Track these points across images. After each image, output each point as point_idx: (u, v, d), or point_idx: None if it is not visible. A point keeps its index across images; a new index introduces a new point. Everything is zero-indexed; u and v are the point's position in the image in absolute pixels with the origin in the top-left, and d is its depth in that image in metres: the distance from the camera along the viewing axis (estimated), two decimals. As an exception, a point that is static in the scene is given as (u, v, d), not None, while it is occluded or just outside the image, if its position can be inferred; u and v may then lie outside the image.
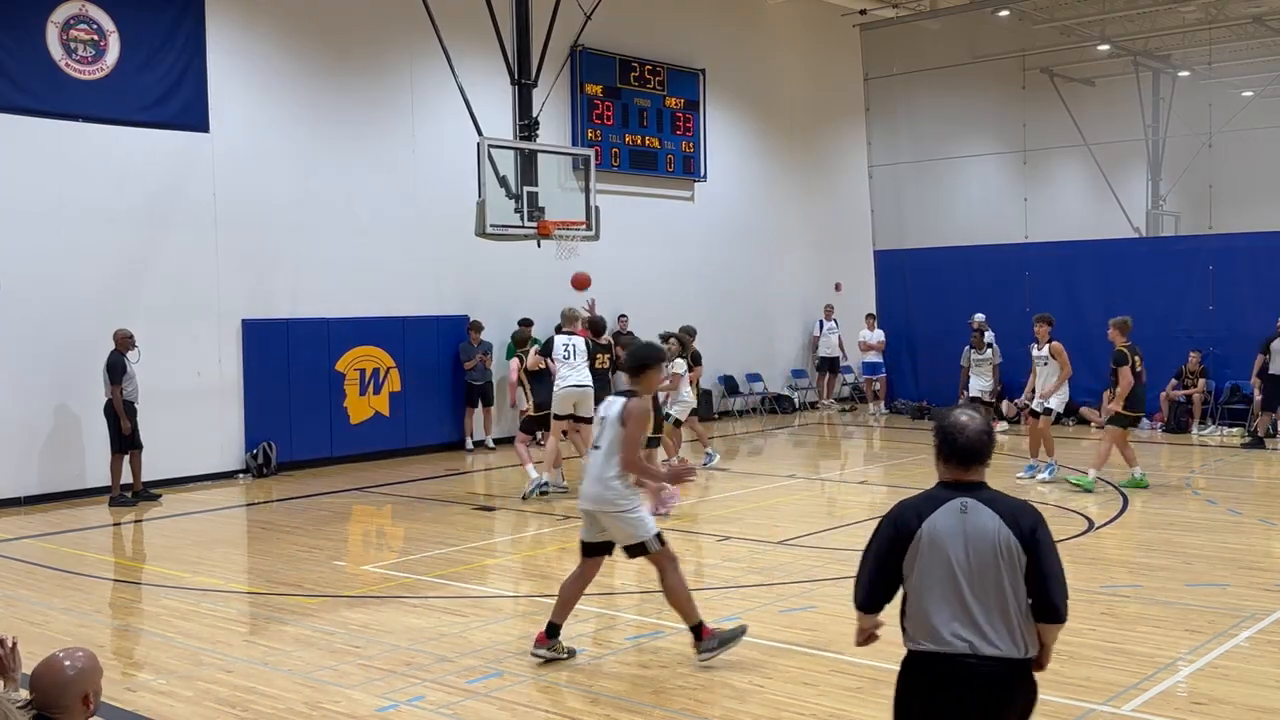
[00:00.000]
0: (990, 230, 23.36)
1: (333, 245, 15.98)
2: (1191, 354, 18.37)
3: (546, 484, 12.91)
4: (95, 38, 13.71)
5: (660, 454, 13.11)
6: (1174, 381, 18.30)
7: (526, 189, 13.89)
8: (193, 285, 14.65)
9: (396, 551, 11.01)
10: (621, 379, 13.78)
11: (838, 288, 23.60)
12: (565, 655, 7.05)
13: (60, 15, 13.43)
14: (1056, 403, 13.63)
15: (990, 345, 16.35)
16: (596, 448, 6.98)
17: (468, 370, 17.16)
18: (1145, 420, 16.43)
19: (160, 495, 13.45)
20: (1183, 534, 10.85)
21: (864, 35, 23.81)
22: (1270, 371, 16.80)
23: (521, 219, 13.87)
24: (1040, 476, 13.46)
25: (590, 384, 12.78)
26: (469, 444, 17.39)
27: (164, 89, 14.30)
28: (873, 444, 19.05)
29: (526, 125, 14.32)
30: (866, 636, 4.21)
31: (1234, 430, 17.82)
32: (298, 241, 15.67)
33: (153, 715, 6.28)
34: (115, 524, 12.34)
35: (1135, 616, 7.86)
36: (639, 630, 7.89)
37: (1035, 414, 13.62)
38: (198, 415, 14.66)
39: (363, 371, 16.37)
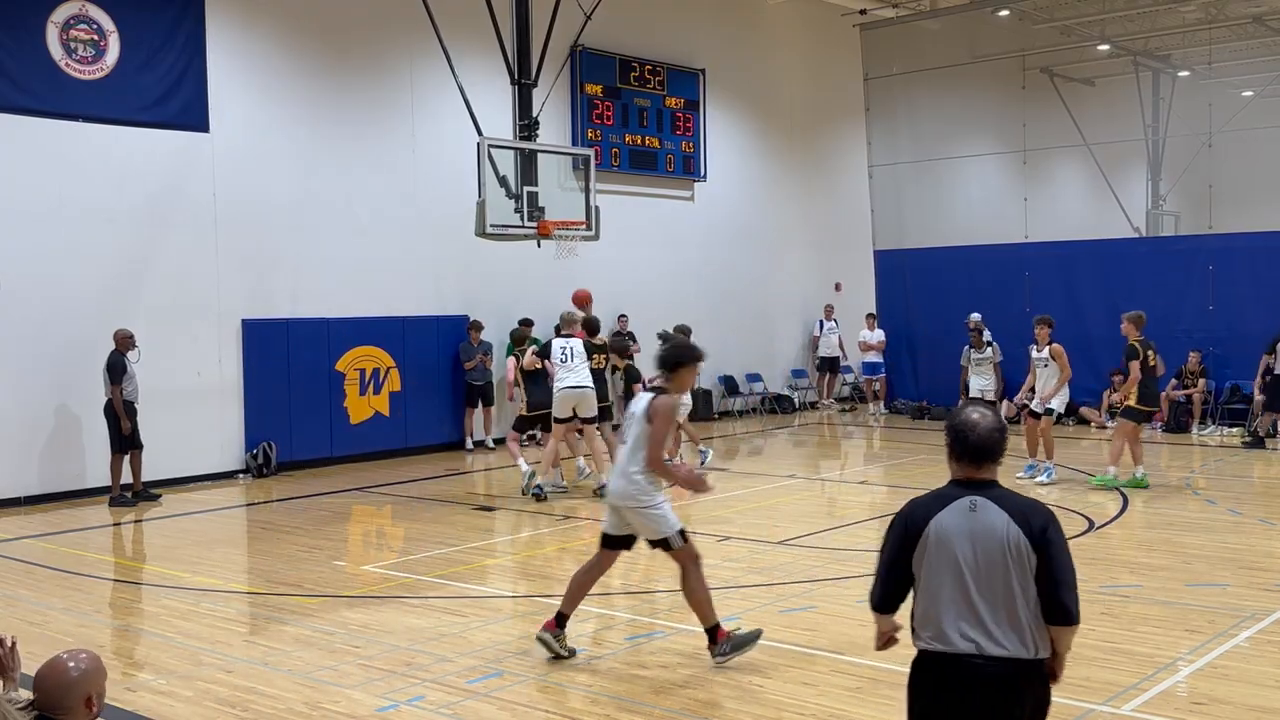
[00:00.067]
0: (990, 230, 23.36)
1: (333, 245, 15.98)
2: (1191, 354, 18.38)
3: (541, 487, 12.89)
4: (95, 38, 13.71)
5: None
6: (1174, 381, 18.29)
7: (526, 189, 13.90)
8: (193, 285, 14.65)
9: (396, 551, 11.01)
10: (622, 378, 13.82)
11: (838, 288, 23.61)
12: (566, 654, 7.05)
13: (60, 15, 13.43)
14: (1057, 403, 13.64)
15: (990, 344, 16.35)
16: (624, 443, 7.02)
17: (468, 370, 17.16)
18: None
19: (160, 495, 13.45)
20: (1183, 534, 10.85)
21: (864, 35, 23.81)
22: (1276, 372, 16.80)
23: (521, 219, 13.88)
24: (1040, 479, 13.45)
25: (590, 385, 12.82)
26: (469, 444, 17.39)
27: (164, 89, 14.31)
28: (873, 444, 19.05)
29: (526, 125, 14.33)
30: (885, 640, 4.17)
31: (1234, 430, 17.82)
32: (298, 241, 15.67)
33: (153, 715, 6.28)
34: (115, 524, 12.34)
35: (1135, 616, 7.86)
36: (638, 630, 7.88)
37: (1034, 414, 13.63)
38: (198, 415, 14.66)
39: (363, 371, 16.37)
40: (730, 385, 21.57)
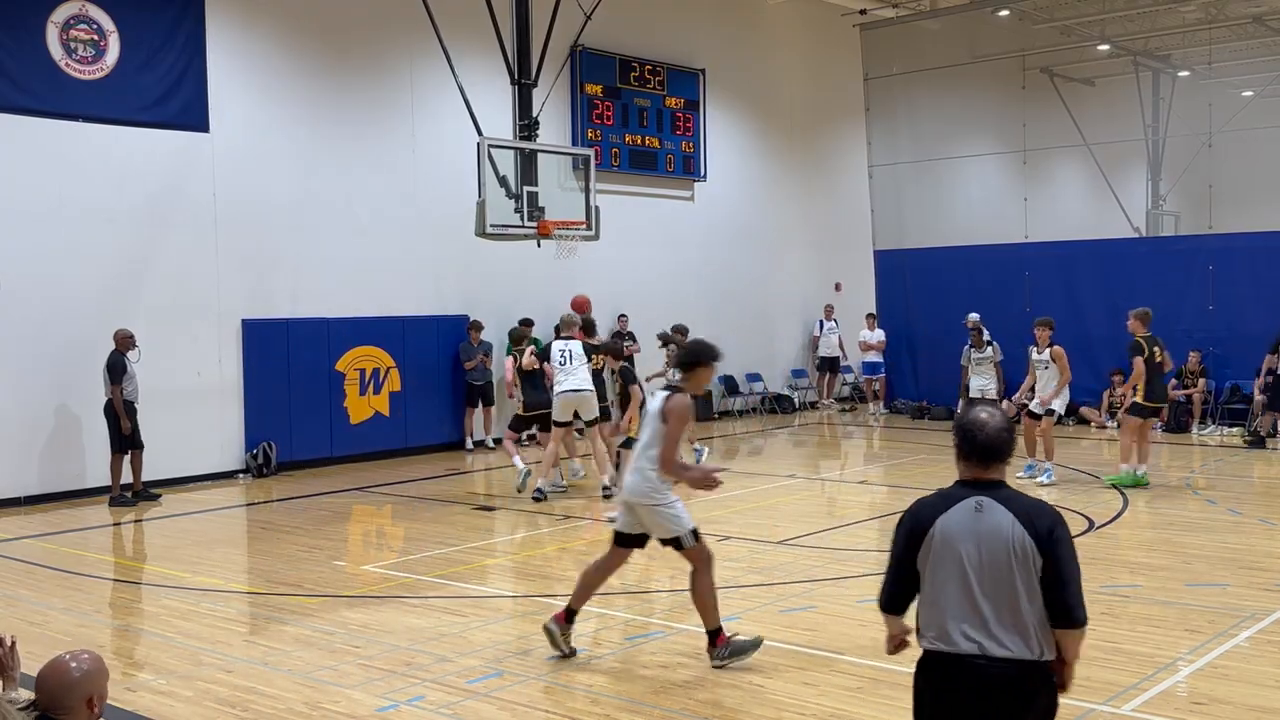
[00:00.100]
0: (990, 230, 23.36)
1: (333, 245, 15.98)
2: (1191, 354, 18.37)
3: (541, 489, 12.88)
4: (95, 38, 13.71)
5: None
6: (1174, 381, 18.29)
7: (526, 189, 13.90)
8: (193, 285, 14.65)
9: (396, 551, 11.01)
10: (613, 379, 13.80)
11: (838, 288, 23.61)
12: (567, 651, 7.06)
13: (60, 15, 13.43)
14: (1058, 404, 13.66)
15: (990, 344, 16.34)
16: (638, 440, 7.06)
17: (468, 370, 17.16)
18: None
19: (160, 495, 13.45)
20: (1183, 534, 10.85)
21: (864, 35, 23.81)
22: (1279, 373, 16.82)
23: (521, 219, 13.88)
24: (1040, 480, 13.45)
25: (589, 388, 12.83)
26: (469, 444, 17.39)
27: (164, 89, 14.31)
28: (873, 444, 19.04)
29: (526, 125, 14.32)
30: (897, 644, 4.13)
31: (1234, 430, 17.82)
32: (298, 241, 15.67)
33: (153, 715, 6.28)
34: (115, 524, 12.34)
35: (1135, 616, 7.86)
36: (638, 630, 7.88)
37: (1034, 415, 13.63)
38: (198, 415, 14.66)
39: (363, 371, 16.37)
40: (730, 385, 21.57)
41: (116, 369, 12.89)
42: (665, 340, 14.78)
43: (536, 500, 12.72)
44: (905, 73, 24.05)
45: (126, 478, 13.17)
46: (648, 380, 15.97)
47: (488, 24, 14.08)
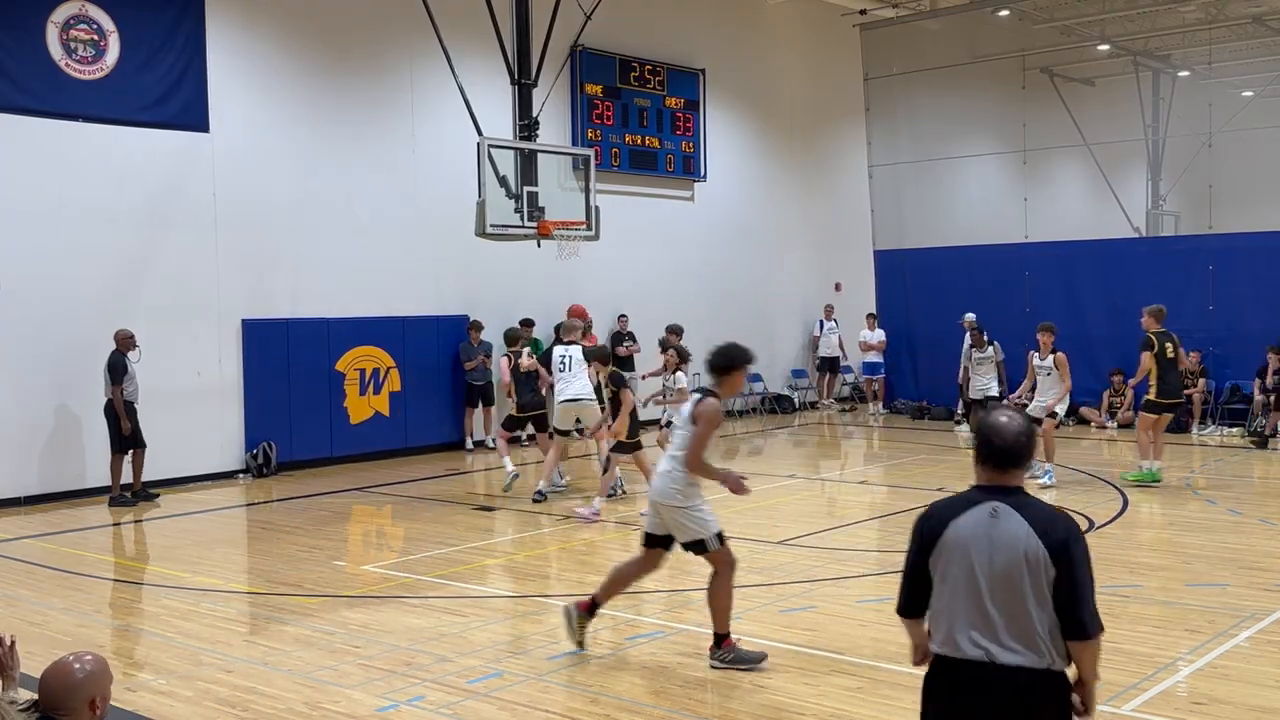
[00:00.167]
0: (990, 230, 23.36)
1: (333, 245, 15.98)
2: (1191, 354, 18.35)
3: (542, 490, 12.88)
4: (95, 38, 13.71)
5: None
6: (1187, 380, 18.29)
7: (526, 189, 13.90)
8: (193, 285, 14.65)
9: (396, 551, 11.01)
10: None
11: (838, 288, 23.61)
12: (577, 640, 7.10)
13: (60, 15, 13.43)
14: (1059, 406, 13.67)
15: (992, 344, 16.35)
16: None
17: (468, 370, 17.15)
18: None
19: (158, 495, 13.45)
20: (1183, 534, 10.86)
21: (864, 35, 23.82)
22: None
23: (521, 219, 13.88)
24: (1040, 481, 13.45)
25: (589, 395, 12.81)
26: (469, 444, 17.39)
27: (164, 89, 14.31)
28: (873, 444, 19.04)
29: (526, 125, 14.32)
30: (922, 654, 4.01)
31: (1234, 430, 17.82)
32: (298, 241, 15.67)
33: (153, 715, 6.28)
34: (115, 524, 12.34)
35: (1135, 616, 7.86)
36: (638, 630, 7.88)
37: (1034, 419, 13.64)
38: (198, 415, 14.66)
39: (363, 371, 16.37)
40: (730, 385, 21.54)
41: (117, 369, 12.89)
42: (665, 346, 14.74)
43: (536, 501, 12.73)
44: (905, 73, 24.05)
45: (126, 478, 13.17)
46: (643, 378, 15.98)
47: (488, 24, 14.08)
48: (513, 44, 14.36)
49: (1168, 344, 13.12)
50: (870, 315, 22.23)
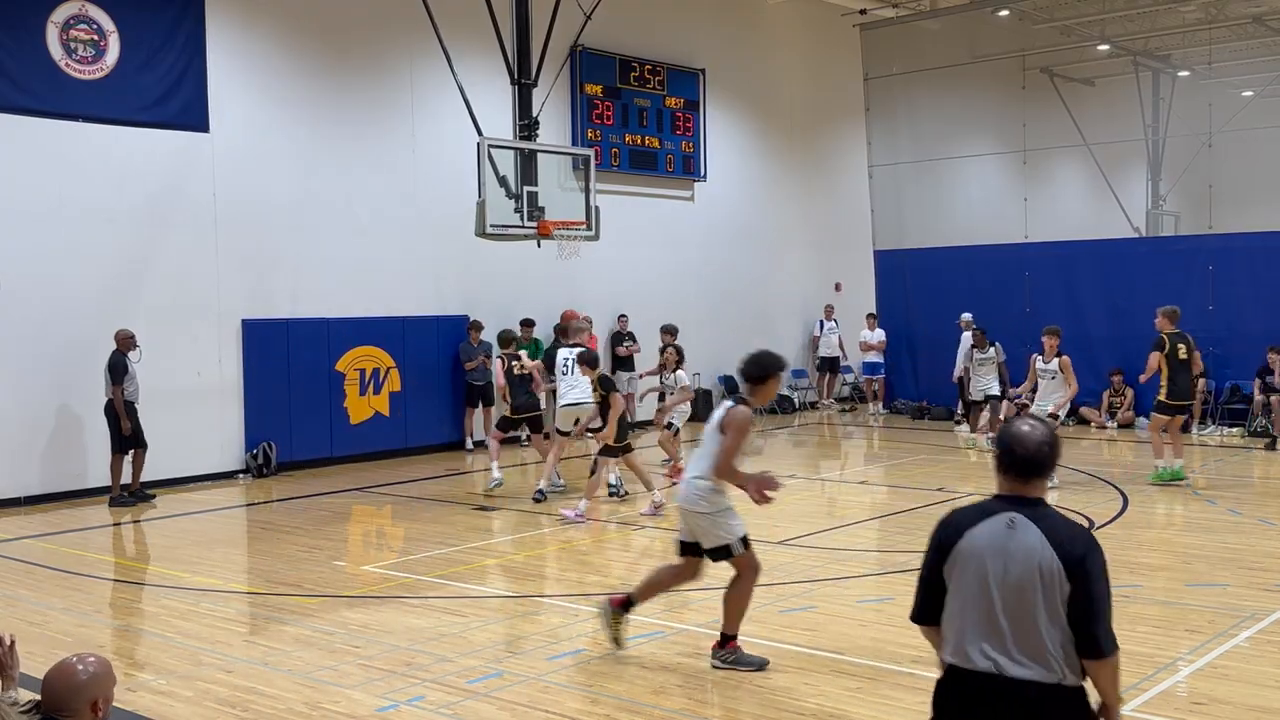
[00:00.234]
0: (990, 230, 23.36)
1: (333, 245, 15.98)
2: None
3: (542, 490, 12.87)
4: (95, 38, 13.71)
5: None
6: (1200, 382, 18.27)
7: (526, 189, 13.89)
8: (193, 285, 14.65)
9: (396, 551, 11.01)
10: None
11: (838, 288, 23.61)
12: (614, 637, 7.09)
13: (60, 15, 13.43)
14: (1062, 410, 13.70)
15: (993, 344, 16.34)
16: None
17: (468, 370, 17.15)
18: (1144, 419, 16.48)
19: (154, 495, 13.43)
20: (1183, 534, 10.86)
21: (864, 35, 23.82)
22: None
23: (521, 219, 13.87)
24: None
25: (591, 399, 12.77)
26: (469, 444, 17.39)
27: (164, 89, 14.30)
28: (873, 444, 19.04)
29: (526, 125, 14.32)
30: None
31: (1234, 430, 17.81)
32: (298, 241, 15.67)
33: (153, 715, 6.28)
34: (115, 524, 12.34)
35: (1135, 616, 7.86)
36: (639, 630, 7.88)
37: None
38: (198, 415, 14.65)
39: (363, 371, 16.37)
40: (730, 385, 21.53)
41: (118, 369, 12.89)
42: (664, 350, 14.77)
43: (537, 500, 12.72)
44: (905, 73, 24.05)
45: (127, 478, 13.17)
46: (640, 377, 15.98)
47: (488, 24, 14.08)
48: (513, 44, 14.35)
49: (1180, 345, 13.12)
50: (870, 315, 22.22)
